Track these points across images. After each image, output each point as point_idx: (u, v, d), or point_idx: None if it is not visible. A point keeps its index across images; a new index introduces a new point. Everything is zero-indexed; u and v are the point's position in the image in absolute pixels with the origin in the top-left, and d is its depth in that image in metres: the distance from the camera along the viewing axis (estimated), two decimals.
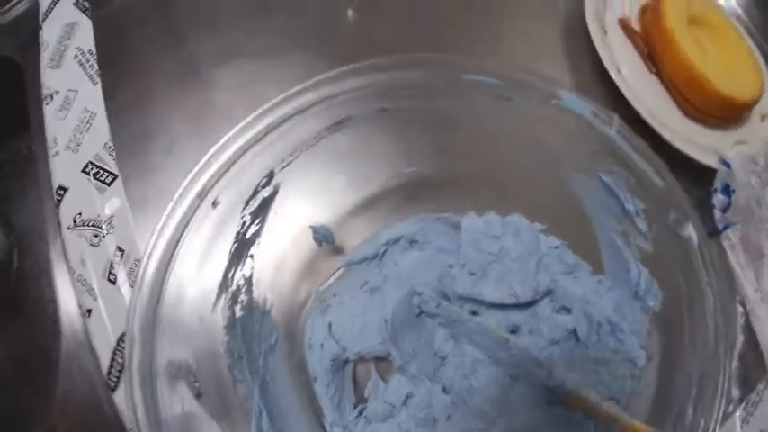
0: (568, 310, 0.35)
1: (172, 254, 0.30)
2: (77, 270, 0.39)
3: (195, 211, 0.31)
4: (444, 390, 0.34)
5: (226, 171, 0.30)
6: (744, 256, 0.46)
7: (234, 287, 0.33)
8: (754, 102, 0.47)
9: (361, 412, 0.37)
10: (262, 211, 0.34)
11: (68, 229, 0.40)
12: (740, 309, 0.47)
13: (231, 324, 0.33)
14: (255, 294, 0.35)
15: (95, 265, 0.38)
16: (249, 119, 0.31)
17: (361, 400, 0.37)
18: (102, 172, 0.41)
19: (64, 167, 0.42)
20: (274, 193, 0.33)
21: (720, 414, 0.32)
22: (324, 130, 0.33)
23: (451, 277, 0.35)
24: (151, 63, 0.45)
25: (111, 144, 0.42)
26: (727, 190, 0.45)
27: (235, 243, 0.33)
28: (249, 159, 0.31)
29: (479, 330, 0.33)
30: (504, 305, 0.34)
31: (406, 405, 0.36)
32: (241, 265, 0.34)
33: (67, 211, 0.40)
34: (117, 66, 0.44)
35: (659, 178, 0.31)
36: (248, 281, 0.34)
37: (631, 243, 0.34)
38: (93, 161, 0.42)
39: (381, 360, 0.38)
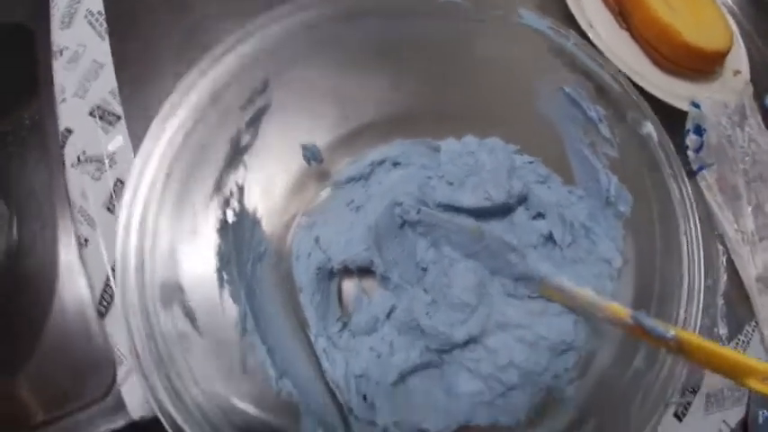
0: (543, 216, 0.37)
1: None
2: (78, 203, 0.41)
3: (190, 121, 0.34)
4: (425, 291, 0.36)
5: (221, 75, 0.33)
6: (721, 197, 0.48)
7: (227, 192, 0.36)
8: (724, 52, 0.50)
9: (345, 325, 0.39)
10: (255, 122, 0.36)
11: (72, 166, 0.43)
12: (720, 248, 0.48)
13: (223, 228, 0.35)
14: (247, 204, 0.37)
15: (96, 197, 0.41)
16: (242, 32, 0.34)
17: (345, 316, 0.39)
18: (107, 114, 0.44)
19: (70, 112, 0.45)
20: (267, 104, 0.36)
21: (700, 309, 0.33)
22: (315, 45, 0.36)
23: (431, 187, 0.37)
24: (158, 22, 0.49)
25: (117, 90, 0.45)
26: (698, 130, 0.47)
27: (229, 147, 0.35)
28: (245, 64, 0.34)
29: (456, 230, 0.35)
30: (481, 210, 0.36)
31: (389, 318, 0.38)
32: (234, 169, 0.36)
33: (72, 150, 0.43)
34: (124, 24, 0.48)
35: (616, 83, 0.34)
36: (241, 189, 0.37)
37: (599, 152, 0.36)
38: (100, 105, 0.45)
39: (366, 276, 0.39)
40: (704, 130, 0.47)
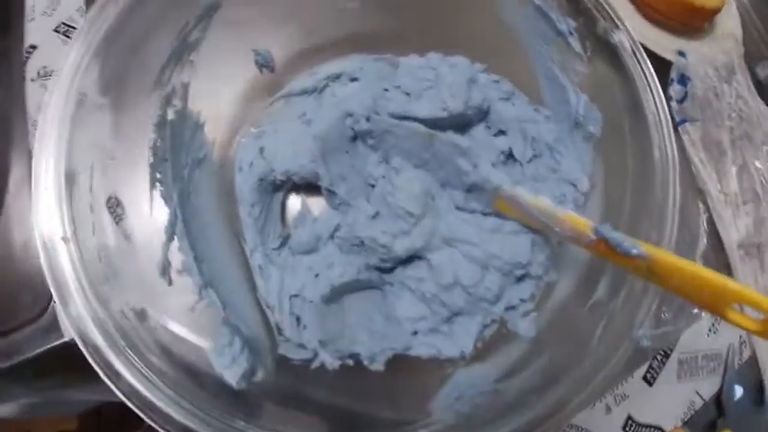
0: (504, 134, 0.34)
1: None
2: (33, 117, 0.40)
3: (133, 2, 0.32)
4: (368, 202, 0.33)
5: None
6: (704, 153, 0.45)
7: (169, 88, 0.33)
8: (714, 9, 0.48)
9: (284, 242, 0.36)
10: (205, 18, 0.34)
11: (32, 80, 0.41)
12: (702, 206, 0.45)
13: (161, 123, 0.33)
14: (191, 105, 0.34)
15: None
16: None
17: (287, 237, 0.36)
18: (71, 29, 0.44)
19: (37, 29, 0.44)
20: (218, 4, 0.34)
21: (674, 235, 0.30)
22: None
23: (386, 98, 0.34)
24: None
25: (84, 7, 0.44)
26: (683, 80, 0.45)
27: (176, 41, 0.33)
28: None
29: (406, 135, 0.32)
30: (437, 122, 0.33)
31: (332, 238, 0.35)
32: (180, 67, 0.34)
33: (34, 65, 0.42)
34: None
35: None
36: (185, 87, 0.34)
37: (568, 69, 0.34)
38: (66, 22, 0.44)
39: (312, 194, 0.37)
40: (689, 79, 0.44)
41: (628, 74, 0.31)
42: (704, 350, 0.43)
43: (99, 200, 0.30)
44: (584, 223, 0.28)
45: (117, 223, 0.30)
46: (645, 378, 0.42)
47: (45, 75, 0.42)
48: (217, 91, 0.36)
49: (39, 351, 0.36)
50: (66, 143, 0.29)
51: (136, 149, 0.32)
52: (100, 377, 0.26)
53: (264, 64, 0.37)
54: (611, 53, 0.32)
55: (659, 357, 0.43)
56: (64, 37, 0.44)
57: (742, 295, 0.25)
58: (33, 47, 0.43)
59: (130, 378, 0.26)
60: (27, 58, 0.43)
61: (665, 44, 0.47)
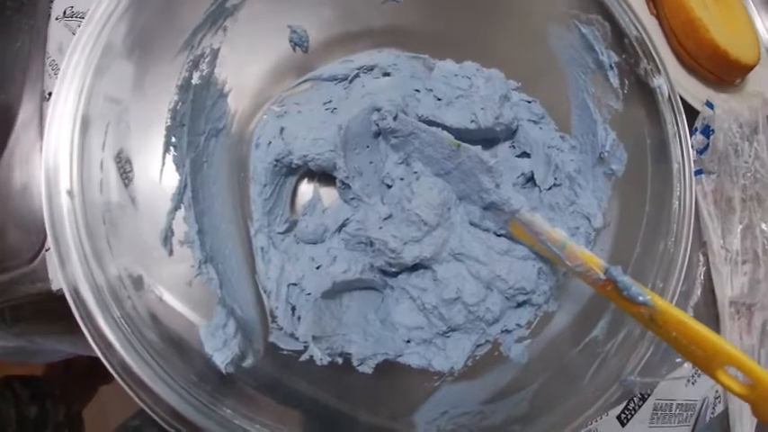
0: (528, 156, 0.34)
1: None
2: (52, 56, 0.39)
3: None
4: (383, 203, 0.32)
5: None
6: (714, 208, 0.45)
7: (199, 51, 0.32)
8: (748, 65, 0.48)
9: (291, 228, 0.35)
10: None
11: (56, 19, 0.40)
12: (702, 258, 0.46)
13: (185, 87, 0.32)
14: (217, 72, 0.33)
15: None
16: None
17: (294, 223, 0.35)
18: None
19: None
20: None
21: (680, 286, 0.30)
22: None
23: (416, 99, 0.34)
24: None
25: None
26: (707, 131, 0.45)
27: (214, 4, 0.32)
28: None
29: (432, 142, 0.31)
30: (464, 133, 0.32)
31: (339, 232, 0.34)
32: (212, 31, 0.33)
33: (61, 4, 0.40)
34: None
35: (634, 29, 0.31)
36: (215, 53, 0.33)
37: (602, 103, 0.33)
38: None
39: (326, 184, 0.36)
40: (712, 131, 0.44)
41: (660, 119, 0.31)
42: (680, 399, 0.44)
43: (110, 157, 0.29)
44: (596, 262, 0.28)
45: (125, 185, 0.29)
46: (619, 418, 0.42)
47: (71, 15, 0.40)
48: (246, 62, 0.35)
49: (23, 295, 0.35)
50: (86, 92, 0.27)
51: (155, 109, 0.31)
52: (81, 332, 0.25)
53: (298, 43, 0.36)
54: (647, 95, 0.32)
55: (636, 400, 0.43)
56: None
57: (737, 360, 0.25)
58: None
59: (118, 346, 0.25)
60: None
61: (695, 92, 0.47)
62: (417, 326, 0.32)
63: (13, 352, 0.44)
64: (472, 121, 0.32)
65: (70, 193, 0.26)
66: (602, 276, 0.27)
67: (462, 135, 0.33)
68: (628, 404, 0.43)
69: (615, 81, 0.33)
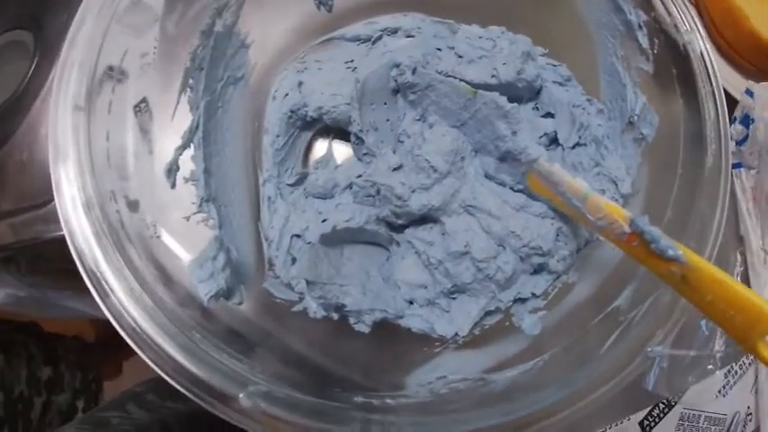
0: (552, 116, 0.32)
1: None
2: None
3: None
4: (394, 152, 0.31)
5: None
6: (753, 205, 0.42)
7: (224, 0, 0.32)
8: None
9: (300, 181, 0.34)
10: None
11: None
12: (739, 257, 0.42)
13: (207, 33, 0.32)
14: (240, 23, 0.34)
15: None
16: None
17: (305, 176, 0.35)
18: None
19: None
20: None
21: (716, 249, 0.27)
22: None
23: (437, 57, 0.33)
24: None
25: None
26: (746, 120, 0.42)
27: None
28: None
29: (449, 92, 0.30)
30: (485, 87, 0.31)
31: (350, 187, 0.33)
32: None
33: None
34: None
35: None
36: (240, 4, 0.33)
37: (632, 66, 0.32)
38: None
39: (341, 140, 0.35)
40: (752, 120, 0.42)
41: (692, 78, 0.29)
42: (709, 411, 0.40)
43: (124, 92, 0.29)
44: (621, 213, 0.25)
45: (135, 113, 0.29)
46: (641, 424, 0.38)
47: None
48: (270, 16, 0.35)
49: (38, 237, 0.35)
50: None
51: (175, 50, 0.31)
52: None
53: (323, 1, 0.36)
54: (678, 54, 0.30)
55: (661, 406, 0.39)
56: None
57: None
58: None
59: (104, 263, 0.24)
60: None
61: (734, 82, 0.45)
62: (421, 284, 0.30)
63: (24, 302, 0.44)
64: (493, 76, 0.31)
65: (78, 107, 0.26)
66: (628, 229, 0.25)
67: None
68: (652, 410, 0.39)
69: (644, 41, 0.31)
